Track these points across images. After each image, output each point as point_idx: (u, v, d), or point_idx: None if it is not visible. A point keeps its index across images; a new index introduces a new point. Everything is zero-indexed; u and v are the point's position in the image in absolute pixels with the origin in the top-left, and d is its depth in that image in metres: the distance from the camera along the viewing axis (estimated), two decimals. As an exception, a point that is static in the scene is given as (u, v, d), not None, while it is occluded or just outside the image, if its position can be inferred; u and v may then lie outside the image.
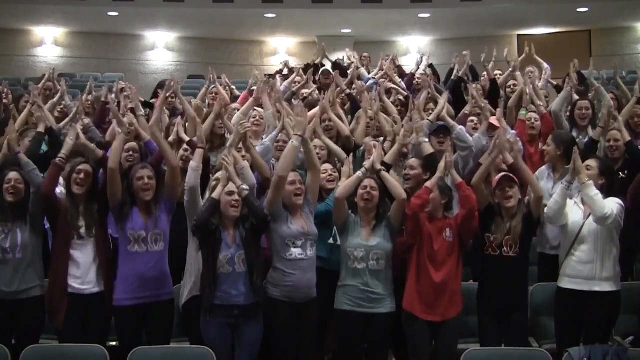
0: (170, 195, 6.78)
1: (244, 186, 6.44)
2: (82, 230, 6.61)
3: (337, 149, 8.01)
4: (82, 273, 6.57)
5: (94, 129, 8.82)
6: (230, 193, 6.38)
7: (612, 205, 6.59)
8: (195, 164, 6.64)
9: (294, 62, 12.51)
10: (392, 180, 6.78)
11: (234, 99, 10.92)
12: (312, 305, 6.60)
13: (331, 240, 7.12)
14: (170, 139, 7.91)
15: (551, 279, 7.13)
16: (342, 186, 6.75)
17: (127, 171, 6.84)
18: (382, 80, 10.97)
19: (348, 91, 10.17)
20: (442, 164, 6.67)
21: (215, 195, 6.40)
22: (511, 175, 6.64)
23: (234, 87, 11.91)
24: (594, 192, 6.55)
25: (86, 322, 6.55)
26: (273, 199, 6.59)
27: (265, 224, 6.47)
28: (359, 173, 6.77)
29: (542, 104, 9.18)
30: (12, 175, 6.66)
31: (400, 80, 11.25)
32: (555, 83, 11.37)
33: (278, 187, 6.59)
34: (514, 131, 8.34)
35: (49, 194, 6.66)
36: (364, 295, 6.54)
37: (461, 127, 8.25)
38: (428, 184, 6.59)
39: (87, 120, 8.82)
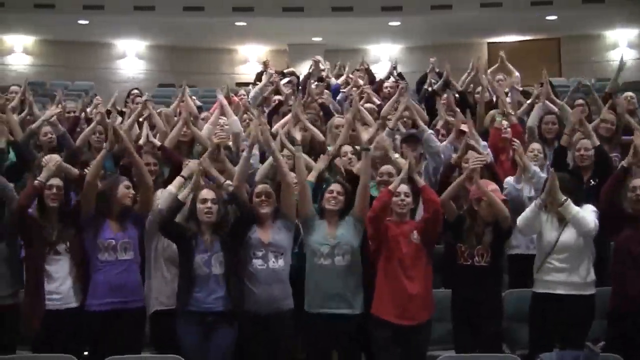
0: (142, 211, 6.79)
1: (229, 182, 6.53)
2: (59, 246, 6.61)
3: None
4: (58, 289, 6.55)
5: (68, 137, 8.77)
6: (204, 201, 6.41)
7: (592, 216, 6.63)
8: (174, 189, 6.69)
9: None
10: (366, 166, 6.77)
11: (198, 108, 10.90)
12: (282, 319, 6.52)
13: (296, 249, 7.01)
14: (141, 141, 7.94)
15: (522, 283, 7.18)
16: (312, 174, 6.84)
17: (110, 181, 6.87)
18: (354, 90, 10.94)
19: (321, 100, 10.15)
20: (405, 167, 6.63)
21: (180, 197, 6.47)
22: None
23: (194, 97, 11.84)
24: (575, 211, 6.57)
25: (62, 337, 6.51)
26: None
27: (251, 217, 6.51)
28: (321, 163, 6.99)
29: (512, 112, 9.19)
30: None
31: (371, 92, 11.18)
32: (520, 89, 11.37)
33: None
34: (484, 142, 8.35)
35: (23, 211, 6.58)
36: (330, 294, 6.51)
37: (431, 131, 8.24)
38: (390, 186, 6.55)
39: (62, 129, 8.77)
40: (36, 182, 6.62)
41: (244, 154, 6.92)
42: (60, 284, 6.57)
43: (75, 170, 7.11)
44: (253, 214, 6.54)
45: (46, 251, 6.59)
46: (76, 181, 7.02)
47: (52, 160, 6.81)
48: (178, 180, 6.82)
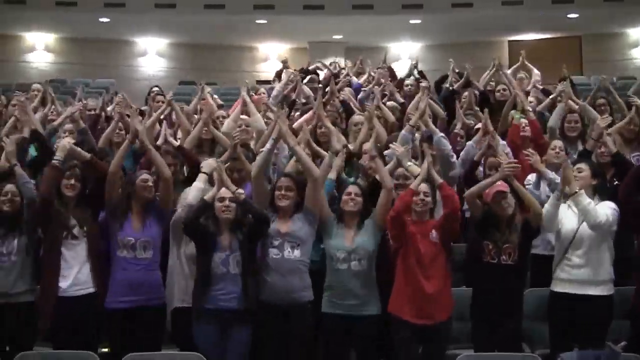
0: (163, 205, 6.86)
1: (240, 190, 6.50)
2: (75, 230, 6.67)
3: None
4: (76, 275, 6.62)
5: (89, 132, 8.82)
6: (222, 199, 6.46)
7: (606, 211, 6.62)
8: (201, 185, 6.79)
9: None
10: (384, 168, 6.83)
11: (219, 107, 10.95)
12: (301, 311, 6.54)
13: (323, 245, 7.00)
14: (159, 142, 7.98)
15: (544, 282, 7.17)
16: (322, 167, 6.85)
17: (129, 177, 6.96)
18: (376, 87, 10.90)
19: (342, 97, 10.13)
20: (424, 167, 6.63)
21: (207, 197, 6.49)
22: (503, 190, 6.63)
23: (215, 95, 11.90)
24: (587, 202, 6.57)
25: (78, 324, 6.57)
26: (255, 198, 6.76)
27: (266, 224, 6.52)
28: (338, 158, 7.02)
29: (530, 109, 9.17)
30: (9, 187, 6.70)
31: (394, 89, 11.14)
32: (541, 87, 11.35)
33: (254, 186, 6.81)
34: (503, 142, 8.31)
35: (48, 198, 6.69)
36: (346, 297, 6.52)
37: (441, 134, 8.19)
38: (412, 186, 6.55)
39: (83, 125, 8.82)
40: (54, 161, 6.74)
41: (267, 146, 6.94)
42: (78, 269, 6.64)
43: (86, 154, 7.14)
44: (267, 218, 6.54)
45: (63, 235, 6.65)
46: (88, 165, 7.02)
47: (66, 142, 6.89)
48: (202, 176, 6.88)
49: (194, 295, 6.48)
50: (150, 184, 6.74)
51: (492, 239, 6.63)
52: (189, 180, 7.11)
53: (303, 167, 6.81)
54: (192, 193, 6.77)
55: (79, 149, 7.15)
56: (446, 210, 6.55)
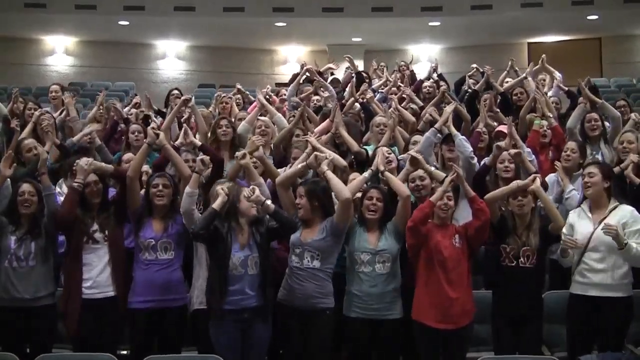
0: None
1: (268, 202, 6.39)
2: (97, 234, 6.72)
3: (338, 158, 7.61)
4: (96, 277, 6.68)
5: (106, 150, 8.98)
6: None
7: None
8: (190, 189, 6.67)
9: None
10: (396, 179, 6.83)
11: (250, 104, 11.03)
12: (321, 317, 6.51)
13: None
14: (177, 142, 7.98)
15: (562, 285, 7.14)
16: (350, 187, 6.73)
17: (147, 180, 7.01)
18: (393, 91, 10.91)
19: (361, 100, 10.14)
20: (447, 179, 6.55)
21: (215, 206, 6.33)
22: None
23: (247, 91, 11.96)
24: (634, 250, 6.41)
25: (100, 326, 6.63)
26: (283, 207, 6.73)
27: (292, 230, 6.53)
28: (365, 174, 6.92)
29: (552, 115, 9.14)
30: (26, 187, 6.75)
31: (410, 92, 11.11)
32: (566, 89, 11.31)
33: (280, 195, 6.83)
34: (528, 149, 8.25)
35: (69, 219, 6.72)
36: (370, 300, 6.52)
37: (462, 137, 8.16)
38: (432, 198, 6.50)
39: (99, 142, 8.92)
40: (75, 184, 6.74)
41: (299, 166, 6.97)
42: (97, 272, 6.70)
43: (110, 167, 7.20)
44: (295, 225, 6.52)
45: (84, 240, 6.70)
46: (113, 177, 7.12)
47: (84, 162, 6.87)
48: (194, 178, 6.73)
49: (209, 297, 6.44)
50: (160, 188, 6.74)
51: (510, 242, 6.64)
52: (212, 180, 7.02)
53: (334, 190, 6.64)
54: (183, 199, 6.66)
55: (101, 163, 7.20)
56: (478, 223, 6.51)
